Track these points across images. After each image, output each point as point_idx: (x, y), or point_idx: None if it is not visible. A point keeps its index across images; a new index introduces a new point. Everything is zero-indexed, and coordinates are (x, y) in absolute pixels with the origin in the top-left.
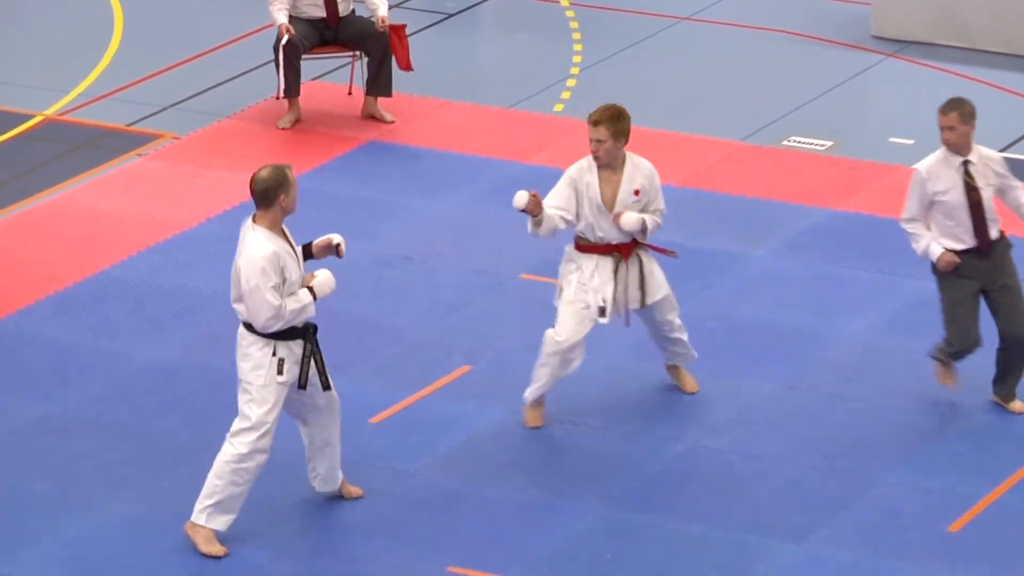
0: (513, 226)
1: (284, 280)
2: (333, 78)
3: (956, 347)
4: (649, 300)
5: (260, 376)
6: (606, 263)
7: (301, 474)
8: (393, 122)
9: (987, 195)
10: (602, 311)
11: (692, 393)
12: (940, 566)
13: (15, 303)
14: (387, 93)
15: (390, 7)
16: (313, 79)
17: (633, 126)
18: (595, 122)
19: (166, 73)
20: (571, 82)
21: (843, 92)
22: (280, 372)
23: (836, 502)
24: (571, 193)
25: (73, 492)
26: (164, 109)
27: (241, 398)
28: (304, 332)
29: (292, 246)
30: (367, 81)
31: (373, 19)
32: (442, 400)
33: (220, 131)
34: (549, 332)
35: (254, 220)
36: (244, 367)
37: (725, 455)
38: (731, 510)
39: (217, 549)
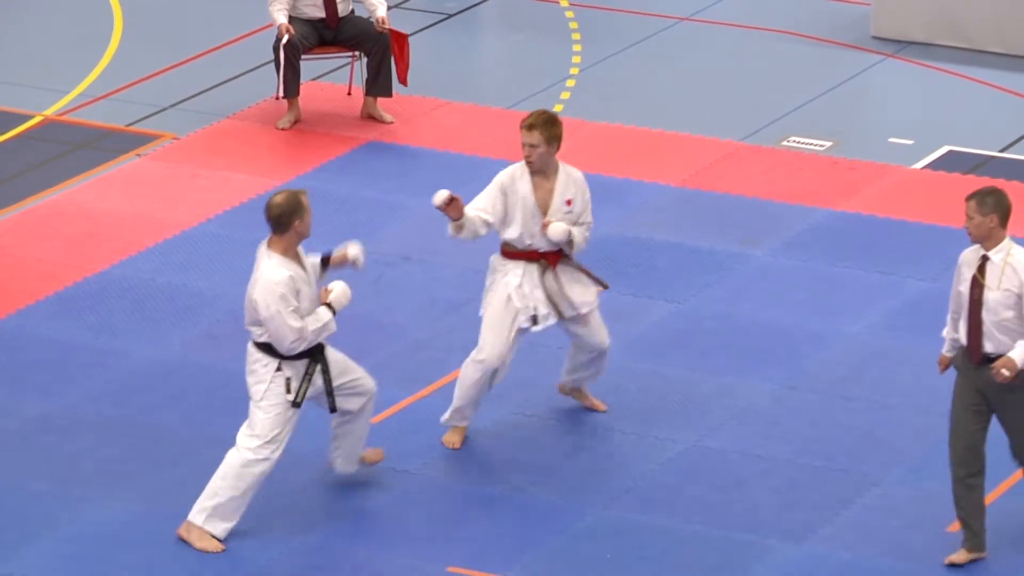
0: None
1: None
2: (332, 78)
3: (952, 468)
4: (567, 312)
5: (266, 392)
6: (532, 270)
7: (301, 475)
8: (392, 122)
9: (993, 297)
10: (534, 319)
11: (602, 411)
12: (939, 567)
13: (15, 303)
14: (387, 93)
15: (389, 8)
16: (312, 79)
17: (632, 126)
18: (529, 126)
19: (166, 73)
20: (571, 82)
21: (843, 92)
22: (288, 391)
23: (836, 502)
24: (499, 196)
25: (73, 490)
26: (164, 109)
27: (251, 406)
28: (309, 351)
29: (305, 270)
30: (366, 81)
31: (372, 19)
32: (442, 400)
33: (220, 131)
34: (469, 358)
35: (268, 245)
36: (250, 382)
37: (725, 455)
38: (731, 510)
39: (213, 544)
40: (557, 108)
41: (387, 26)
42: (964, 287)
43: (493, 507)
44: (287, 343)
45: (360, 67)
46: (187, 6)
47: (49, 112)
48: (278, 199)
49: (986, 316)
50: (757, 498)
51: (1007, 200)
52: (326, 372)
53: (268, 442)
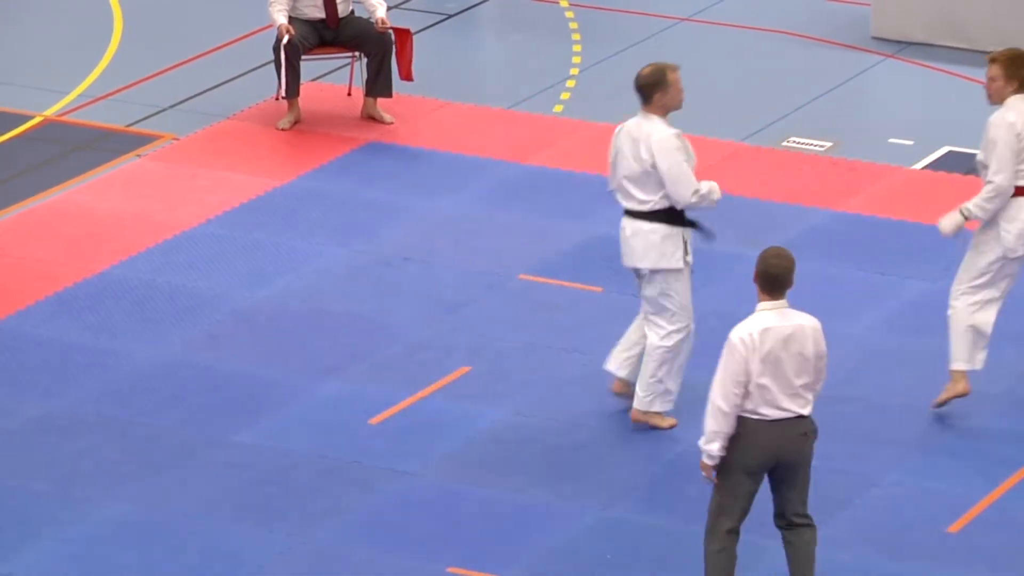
0: (512, 227)
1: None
2: (333, 79)
3: None
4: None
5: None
6: None
7: (300, 477)
8: (392, 123)
9: None
10: None
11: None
12: (939, 567)
13: (15, 303)
14: (387, 94)
15: (389, 8)
16: (313, 80)
17: None
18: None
19: (165, 74)
20: (571, 83)
21: (843, 93)
22: (686, 252)
23: (836, 502)
24: None
25: (73, 490)
26: (163, 110)
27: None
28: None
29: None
30: (366, 82)
31: (372, 20)
32: (442, 400)
33: (219, 132)
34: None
35: (646, 112)
36: (651, 256)
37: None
38: None
39: (667, 421)
40: (557, 109)
41: (387, 26)
42: None
43: (493, 507)
44: (688, 192)
45: (360, 68)
46: (187, 6)
47: (49, 112)
48: (644, 71)
49: None
50: (757, 498)
51: None
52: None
53: (678, 329)
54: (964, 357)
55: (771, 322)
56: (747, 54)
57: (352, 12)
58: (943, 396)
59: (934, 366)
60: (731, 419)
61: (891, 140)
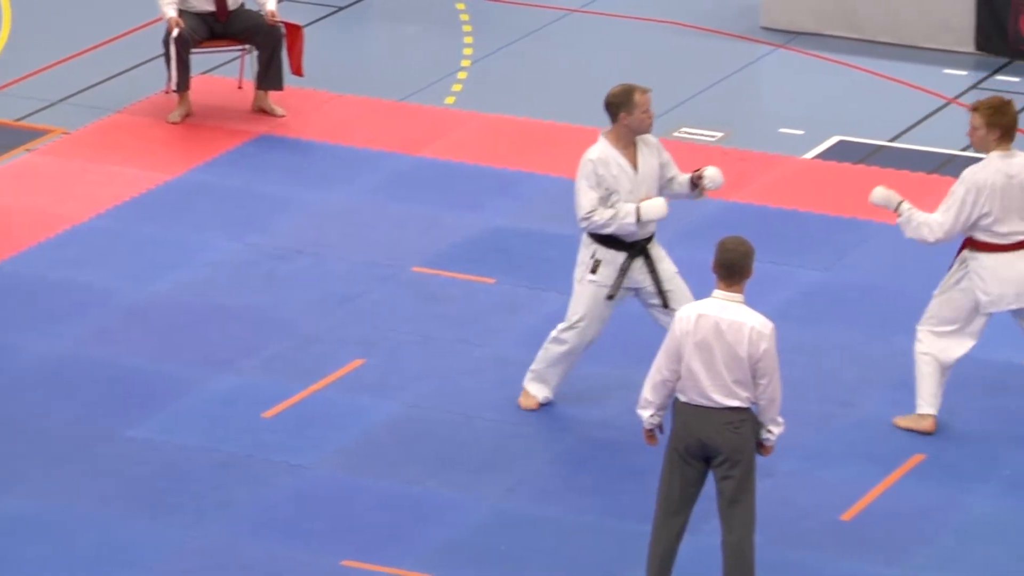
0: (405, 219)
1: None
2: (223, 72)
3: None
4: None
5: (578, 274)
6: None
7: (194, 471)
8: (284, 115)
9: None
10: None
11: None
12: (834, 556)
13: None
14: (278, 87)
15: (280, 0)
16: (203, 73)
17: (524, 118)
18: None
19: (55, 68)
20: (462, 75)
21: (733, 83)
22: (594, 271)
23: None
24: None
25: None
26: (53, 104)
27: None
28: (630, 245)
29: (636, 165)
30: (257, 75)
31: (262, 13)
32: (336, 393)
33: (110, 126)
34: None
35: (606, 131)
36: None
37: (620, 445)
38: (625, 500)
39: (530, 404)
40: (449, 101)
41: (277, 19)
42: None
43: (387, 500)
44: (577, 216)
45: (251, 60)
46: (76, 0)
47: None
48: (614, 89)
49: None
50: (651, 487)
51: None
52: (653, 271)
53: (569, 326)
54: (932, 401)
55: (711, 310)
56: (637, 45)
57: (242, 5)
58: (905, 423)
59: (829, 355)
60: (661, 391)
61: (781, 130)
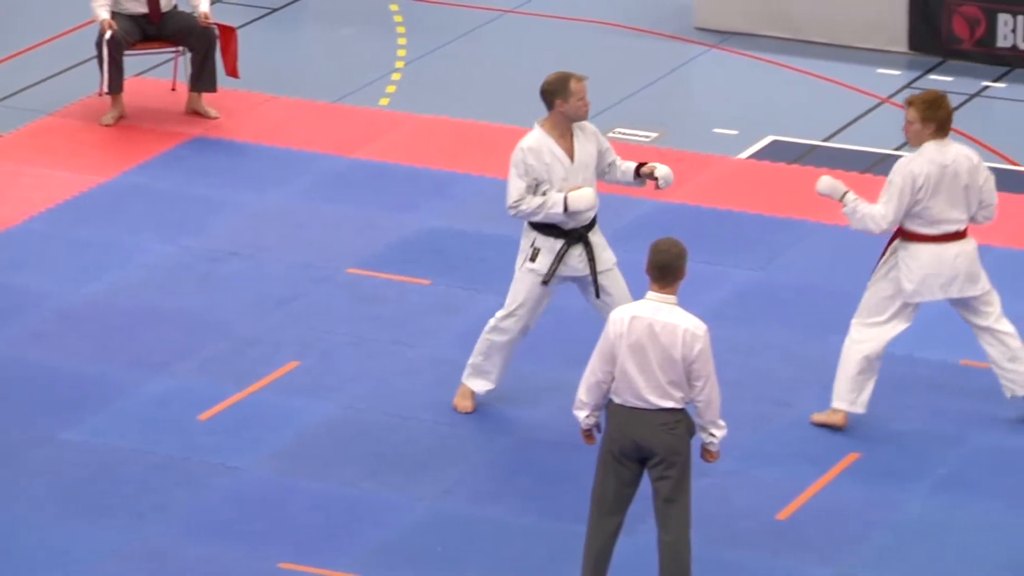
0: (339, 220)
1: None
2: (156, 74)
3: None
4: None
5: (519, 262)
6: None
7: (129, 474)
8: (218, 117)
9: None
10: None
11: None
12: (770, 555)
13: None
14: (211, 88)
15: (213, 2)
16: (136, 75)
17: (458, 119)
18: None
19: None
20: (396, 76)
21: (667, 83)
22: (533, 259)
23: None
24: None
25: None
26: None
27: None
28: (567, 233)
29: (572, 154)
30: (191, 77)
31: (195, 14)
32: (271, 395)
33: (42, 128)
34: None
35: (542, 120)
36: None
37: (556, 446)
38: (562, 501)
39: (467, 405)
40: (383, 102)
41: (210, 21)
42: None
43: (323, 502)
44: (506, 203)
45: (184, 62)
46: (7, 2)
47: None
48: (549, 77)
49: None
50: (588, 488)
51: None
52: (592, 259)
53: (508, 314)
54: (846, 397)
55: (644, 312)
56: (571, 46)
57: (175, 7)
58: (820, 418)
59: (762, 354)
60: (595, 392)
61: (715, 130)
